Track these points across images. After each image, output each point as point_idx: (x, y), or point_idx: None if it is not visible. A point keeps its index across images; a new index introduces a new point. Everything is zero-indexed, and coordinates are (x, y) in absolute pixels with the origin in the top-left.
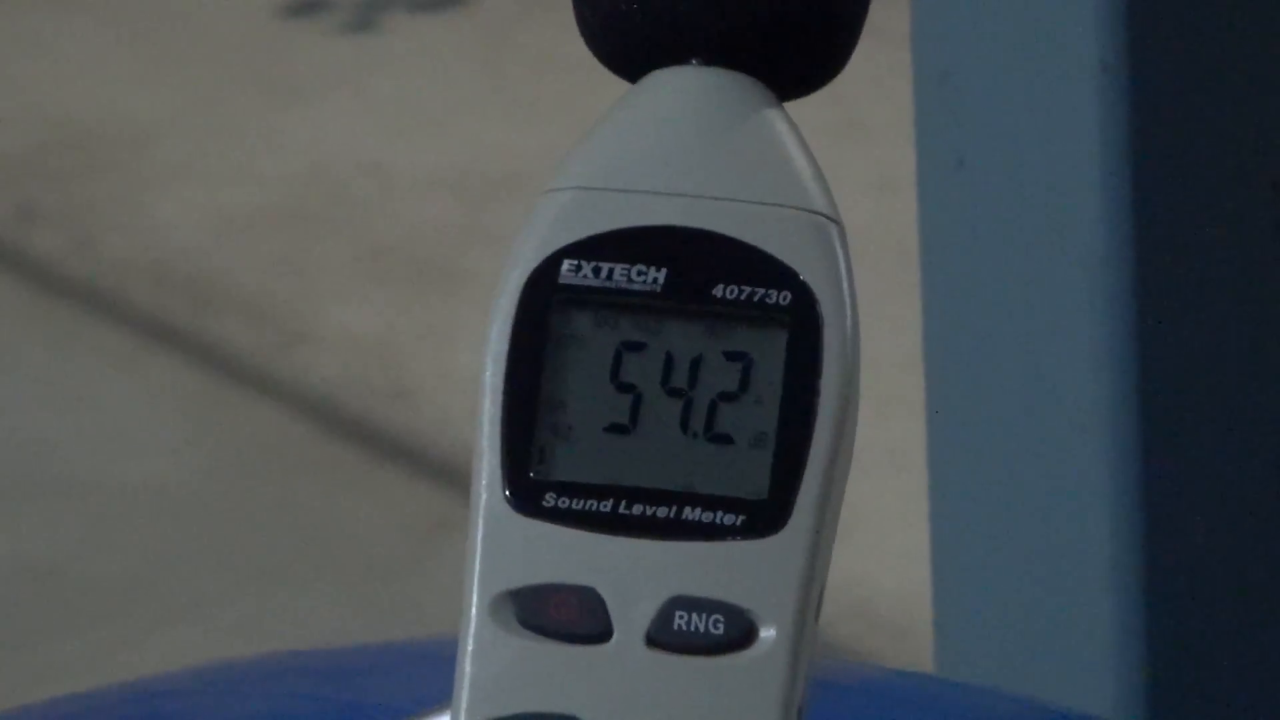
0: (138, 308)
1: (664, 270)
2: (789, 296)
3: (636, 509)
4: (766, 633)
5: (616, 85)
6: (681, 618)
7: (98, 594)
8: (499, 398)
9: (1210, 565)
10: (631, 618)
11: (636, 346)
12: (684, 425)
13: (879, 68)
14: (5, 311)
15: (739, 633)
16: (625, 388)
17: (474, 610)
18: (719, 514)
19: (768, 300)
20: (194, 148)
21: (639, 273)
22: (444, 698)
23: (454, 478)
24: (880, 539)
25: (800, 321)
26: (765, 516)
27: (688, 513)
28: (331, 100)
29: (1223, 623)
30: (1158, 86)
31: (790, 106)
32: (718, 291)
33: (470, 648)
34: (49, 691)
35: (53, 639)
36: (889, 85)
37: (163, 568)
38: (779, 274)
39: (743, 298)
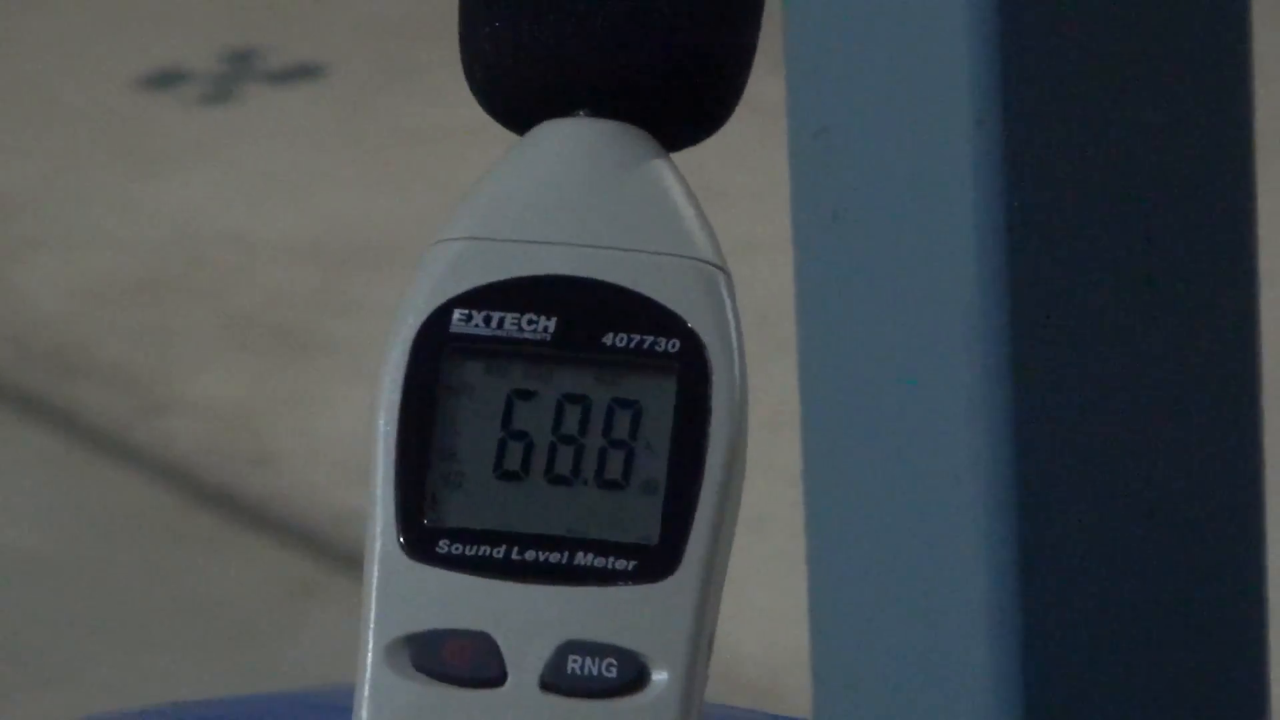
0: (0, 377)
1: (554, 319)
2: (677, 344)
3: (529, 554)
4: (659, 676)
5: (473, 154)
6: (575, 661)
7: None
8: (391, 446)
9: (1088, 610)
10: (526, 662)
11: (527, 395)
12: (575, 471)
13: (738, 136)
14: None
15: (632, 676)
16: (517, 435)
17: (370, 655)
18: (610, 559)
19: (656, 348)
20: (54, 218)
21: (529, 321)
22: None
23: (316, 543)
24: (744, 601)
25: (689, 368)
26: (656, 561)
27: (580, 558)
28: (191, 170)
29: (1103, 670)
30: (1030, 141)
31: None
32: (607, 340)
33: (366, 693)
34: None
35: None
36: (747, 152)
37: (29, 632)
38: (667, 322)
39: (632, 345)
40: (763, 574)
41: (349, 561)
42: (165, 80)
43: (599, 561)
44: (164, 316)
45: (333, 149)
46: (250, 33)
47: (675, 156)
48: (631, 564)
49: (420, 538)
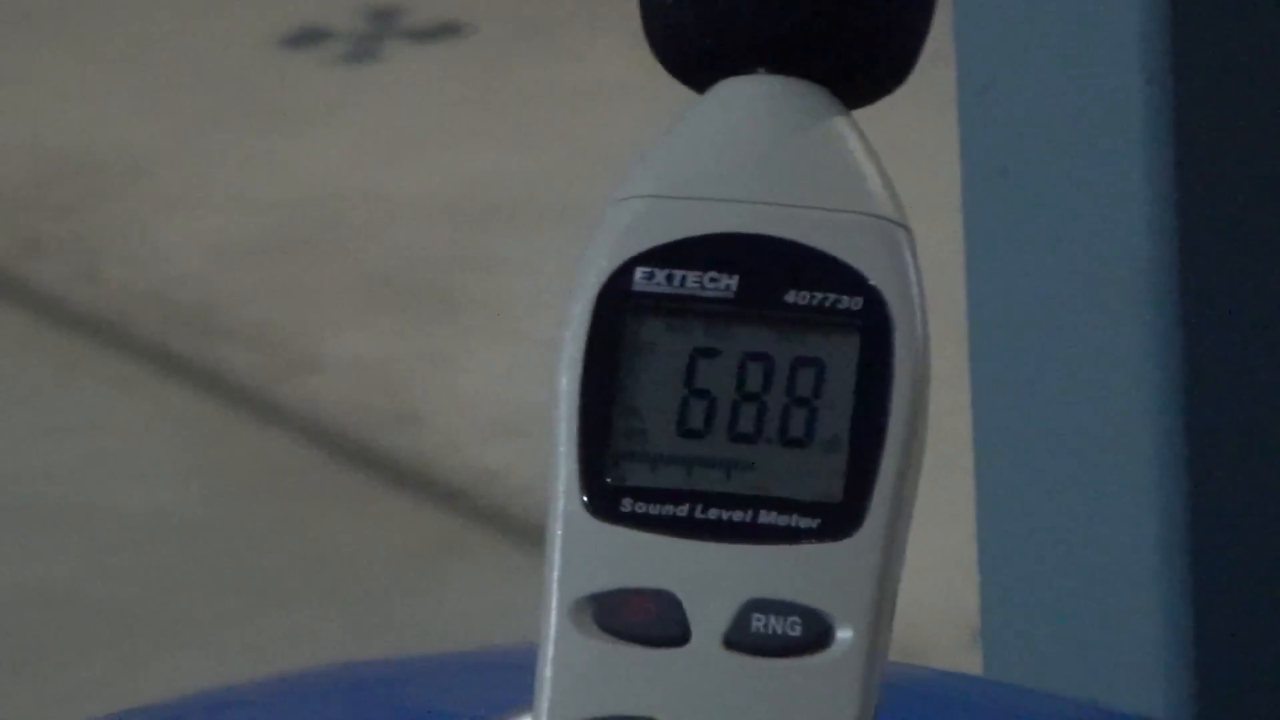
0: (140, 336)
1: (736, 277)
2: (860, 301)
3: (712, 513)
4: (843, 634)
5: (610, 112)
6: (759, 620)
7: (102, 619)
8: (574, 405)
9: (1258, 565)
10: (709, 620)
11: (710, 353)
12: (758, 430)
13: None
14: (9, 342)
15: (816, 634)
16: (699, 393)
17: (554, 615)
18: (794, 517)
19: (839, 305)
20: (193, 177)
21: (711, 280)
22: (520, 703)
23: (460, 501)
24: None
25: (871, 326)
26: (840, 519)
27: (763, 516)
28: (330, 128)
29: (1273, 623)
30: (1201, 99)
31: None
32: (790, 297)
33: (550, 652)
34: (56, 717)
35: (59, 664)
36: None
37: (167, 593)
38: (849, 279)
39: (814, 303)
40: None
41: (492, 519)
42: (306, 38)
43: (782, 520)
44: (304, 274)
45: (471, 107)
46: None
47: (856, 113)
48: (815, 522)
49: (604, 496)
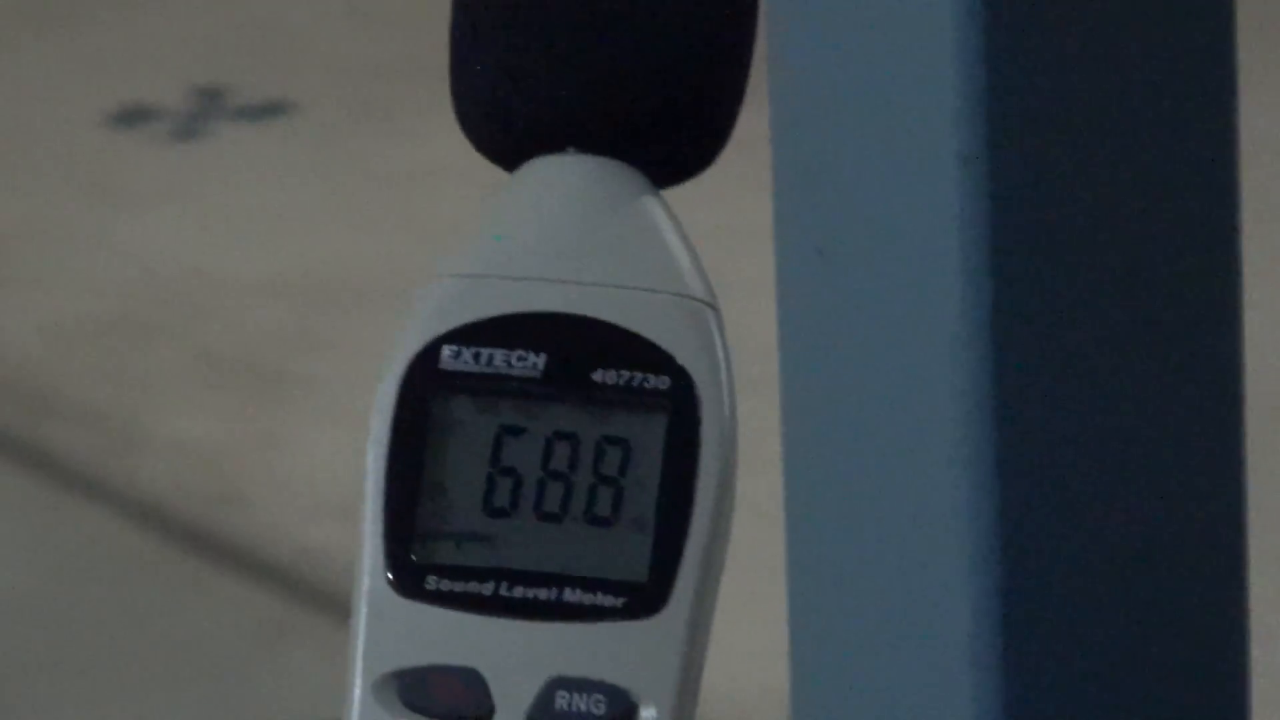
0: None
1: (544, 355)
2: (667, 381)
3: (518, 591)
4: (647, 712)
5: (445, 194)
6: (563, 698)
7: None
8: (380, 482)
9: (1075, 655)
10: (514, 698)
11: (517, 431)
12: (564, 508)
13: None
14: None
15: (620, 712)
16: (505, 471)
17: (357, 692)
18: (599, 595)
19: (646, 384)
20: (23, 256)
21: (519, 358)
22: None
23: (289, 582)
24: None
25: (679, 405)
26: (645, 598)
27: (568, 594)
28: (162, 209)
29: (1096, 696)
30: (1016, 177)
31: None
32: (597, 376)
33: None
34: None
35: None
36: (730, 191)
37: (4, 674)
38: (657, 358)
39: (622, 382)
40: (731, 612)
41: (318, 599)
42: (134, 117)
43: (587, 598)
44: (135, 356)
45: (307, 187)
46: (220, 71)
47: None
48: (620, 600)
49: (409, 574)
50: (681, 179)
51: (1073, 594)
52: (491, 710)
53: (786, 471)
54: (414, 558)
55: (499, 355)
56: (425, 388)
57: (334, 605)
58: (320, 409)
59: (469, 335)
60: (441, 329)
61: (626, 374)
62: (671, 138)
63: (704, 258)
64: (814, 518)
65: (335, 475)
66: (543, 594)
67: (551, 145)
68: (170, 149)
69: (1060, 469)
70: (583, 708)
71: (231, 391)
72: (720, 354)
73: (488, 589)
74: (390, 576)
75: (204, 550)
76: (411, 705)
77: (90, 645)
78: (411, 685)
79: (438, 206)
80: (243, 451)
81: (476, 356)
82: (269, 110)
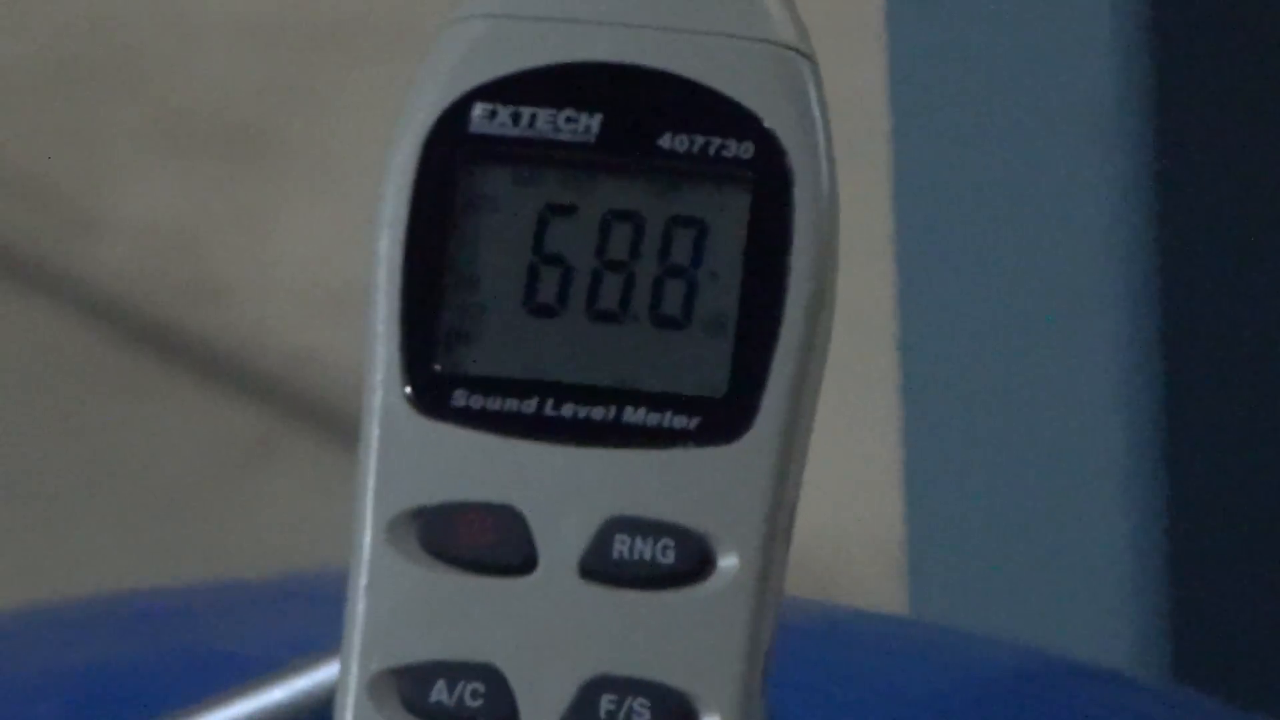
0: None
1: (599, 116)
2: (751, 148)
3: (566, 410)
4: (726, 561)
5: None
6: (622, 543)
7: None
8: (396, 273)
9: (1221, 492)
10: (561, 543)
11: (565, 210)
12: (624, 306)
13: None
14: None
15: (693, 561)
16: (551, 260)
17: (368, 535)
18: (667, 415)
19: (725, 152)
20: None
21: (568, 119)
22: (330, 642)
23: (275, 392)
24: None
25: (765, 178)
26: (724, 418)
27: (629, 414)
28: None
29: (1254, 559)
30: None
31: None
32: (664, 142)
33: (364, 581)
34: None
35: None
36: None
37: None
38: (739, 120)
39: (695, 150)
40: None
41: (315, 415)
42: None
43: (653, 419)
44: (86, 113)
45: None
46: None
47: None
48: (694, 421)
49: (432, 388)
50: None
51: (1228, 433)
52: (534, 558)
53: (900, 267)
54: (438, 368)
55: (543, 116)
56: (452, 155)
57: (331, 422)
58: (313, 179)
59: (506, 90)
60: (472, 82)
61: (701, 139)
62: None
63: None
64: (932, 329)
65: (332, 262)
66: (597, 413)
67: None
68: None
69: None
70: (646, 555)
71: (202, 158)
72: (817, 114)
73: (529, 407)
74: (408, 391)
75: (172, 353)
76: (434, 550)
77: (38, 465)
78: (434, 527)
79: None
80: (217, 232)
81: (515, 117)
82: None
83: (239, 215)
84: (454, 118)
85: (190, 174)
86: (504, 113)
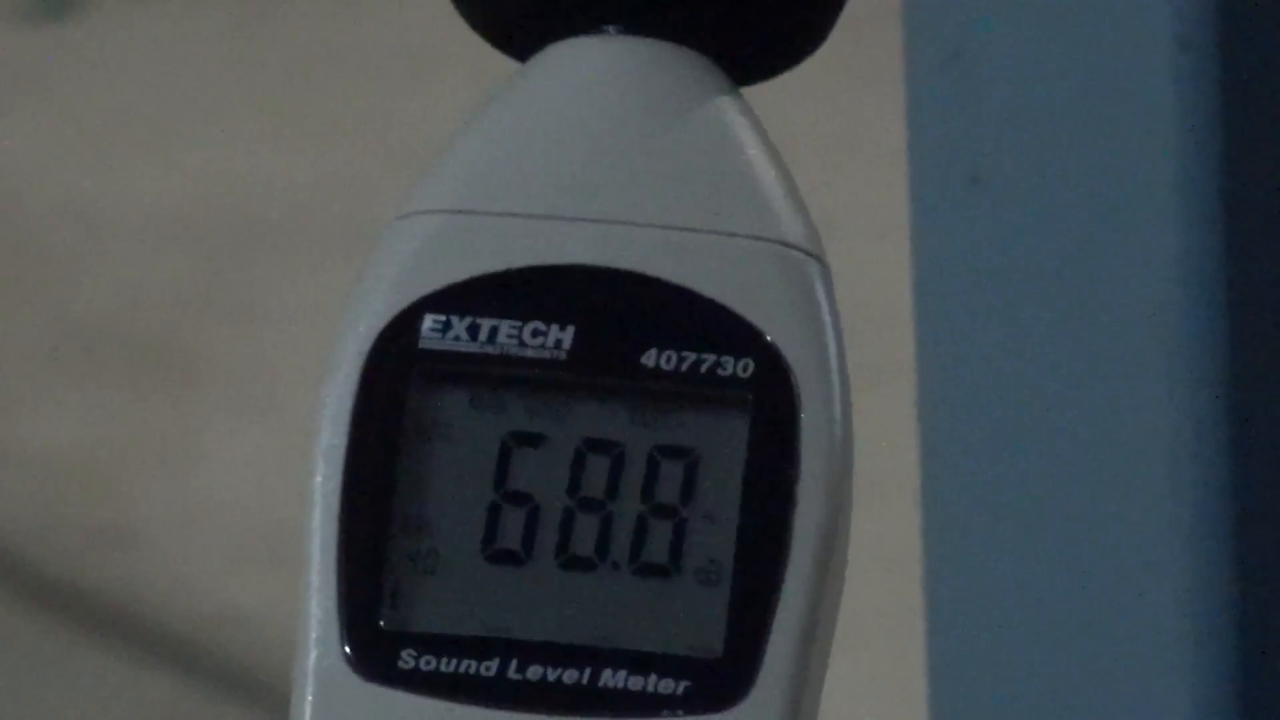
0: None
1: (571, 329)
2: (751, 365)
3: (533, 672)
4: None
5: (424, 84)
6: None
7: None
8: (333, 513)
9: None
10: None
11: (532, 439)
12: (601, 552)
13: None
14: None
15: None
16: (516, 498)
17: None
18: (652, 678)
19: (720, 371)
20: None
21: (535, 333)
22: None
23: (194, 663)
24: None
25: (768, 401)
26: (720, 682)
27: (607, 678)
28: (16, 111)
29: None
30: (1253, 68)
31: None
32: (648, 359)
33: None
34: None
35: None
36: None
37: None
38: (736, 333)
39: (685, 368)
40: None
41: (239, 684)
42: None
43: (635, 682)
44: None
45: (221, 80)
46: None
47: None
48: (683, 685)
49: (375, 647)
50: (770, 72)
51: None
52: None
53: (925, 485)
54: (383, 624)
55: (506, 328)
56: (399, 375)
57: (260, 695)
58: (240, 402)
59: (462, 299)
60: (422, 289)
61: (691, 356)
62: (757, 10)
63: (803, 186)
64: (961, 540)
65: (263, 501)
66: (569, 676)
67: (582, 21)
68: (30, 30)
69: None
70: None
71: (110, 377)
72: (828, 327)
73: (489, 669)
74: (348, 651)
75: (75, 611)
76: None
77: None
78: None
79: (408, 106)
80: (128, 466)
81: (473, 330)
82: None
83: (154, 445)
84: (401, 330)
85: (96, 396)
86: (459, 325)
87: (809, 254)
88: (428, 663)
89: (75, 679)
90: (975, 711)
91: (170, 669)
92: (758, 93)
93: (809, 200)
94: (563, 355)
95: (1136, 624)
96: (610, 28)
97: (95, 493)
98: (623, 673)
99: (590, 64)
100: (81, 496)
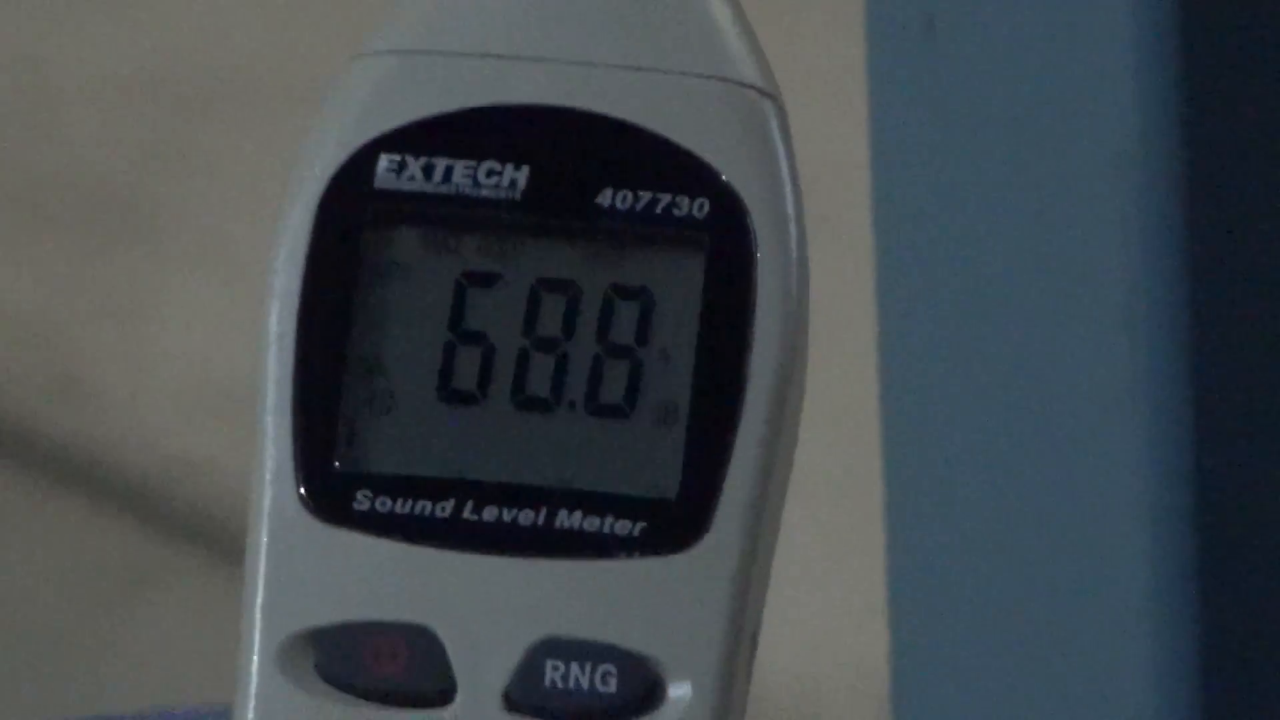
0: None
1: (525, 169)
2: (706, 205)
3: (489, 513)
4: (677, 691)
5: None
6: (556, 670)
7: None
8: (288, 355)
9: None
10: (483, 670)
11: (487, 279)
12: (556, 392)
13: None
14: None
15: (638, 690)
16: (471, 338)
17: (255, 659)
18: (608, 520)
19: (676, 211)
20: None
21: (490, 173)
22: None
23: (150, 511)
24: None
25: (724, 241)
26: (675, 522)
27: (562, 518)
28: None
29: None
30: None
31: None
32: (604, 199)
33: (250, 716)
34: None
35: None
36: None
37: None
38: (692, 173)
39: (640, 208)
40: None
41: (194, 533)
42: None
43: (591, 523)
44: None
45: None
46: None
47: None
48: (639, 526)
49: (330, 489)
50: None
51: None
52: (452, 687)
53: (881, 340)
54: (337, 465)
55: (460, 169)
56: (353, 215)
57: (217, 543)
58: (194, 256)
59: (417, 139)
60: (376, 129)
61: (647, 195)
62: None
63: (760, 30)
64: (919, 399)
65: (218, 353)
66: (525, 517)
67: None
68: None
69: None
70: (584, 683)
71: (63, 233)
72: (784, 165)
73: (444, 510)
74: (303, 493)
75: (29, 464)
76: (334, 679)
77: None
78: (334, 651)
79: None
80: (82, 320)
81: (428, 170)
82: None
83: (107, 300)
84: (356, 171)
85: (50, 252)
86: (414, 165)
87: (764, 93)
88: (383, 504)
89: (31, 529)
90: (932, 568)
91: (126, 517)
92: None
93: (765, 44)
94: (517, 195)
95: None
96: None
97: (50, 346)
98: (579, 513)
99: None
100: (36, 350)
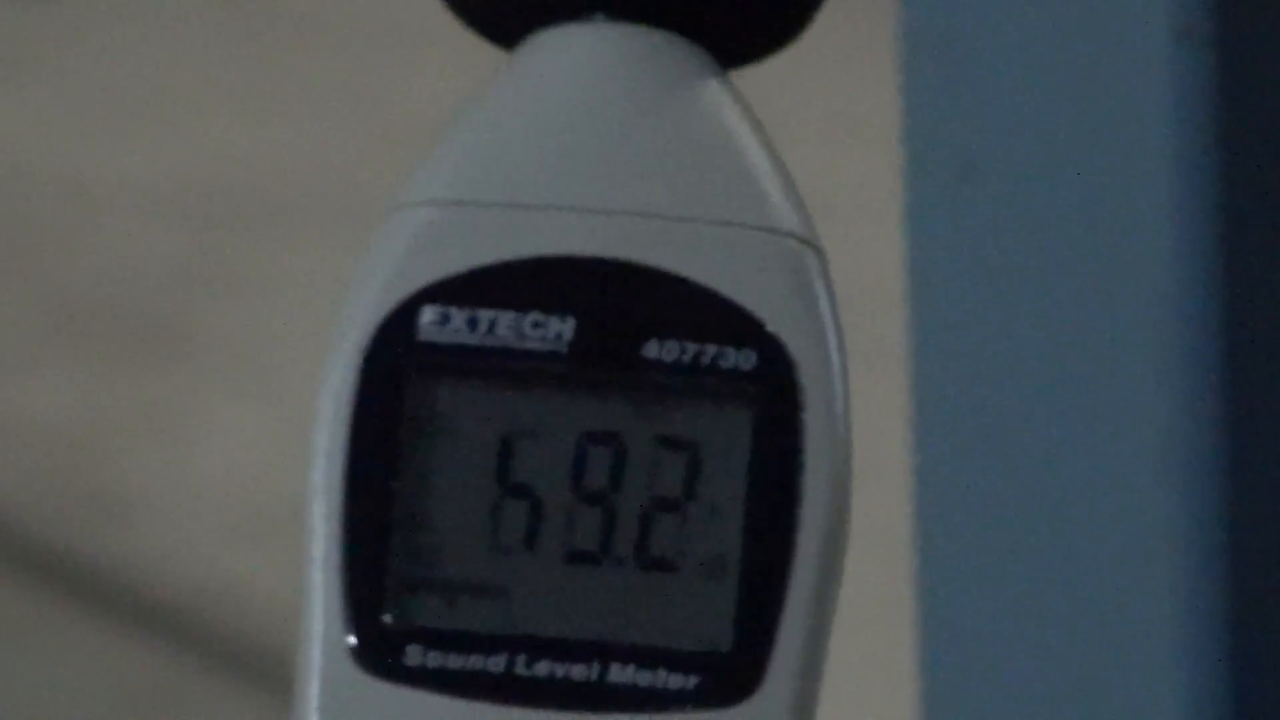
0: None
1: (571, 320)
2: (753, 357)
3: (541, 668)
4: None
5: (432, 62)
6: None
7: None
8: (336, 510)
9: None
10: None
11: (534, 433)
12: (605, 546)
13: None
14: None
15: None
16: (519, 492)
17: None
18: (661, 674)
19: (722, 362)
20: None
21: (535, 324)
22: None
23: (187, 630)
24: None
25: (771, 393)
26: (730, 676)
27: (615, 673)
28: (13, 89)
29: None
30: (1250, 57)
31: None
32: (650, 351)
33: None
34: None
35: None
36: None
37: None
38: (738, 324)
39: (686, 359)
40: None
41: (232, 653)
42: None
43: (644, 677)
44: None
45: (215, 54)
46: None
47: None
48: (693, 680)
49: (381, 643)
50: (753, 57)
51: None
52: None
53: (917, 471)
54: (387, 619)
55: (505, 320)
56: (398, 368)
57: (253, 667)
58: (234, 376)
59: (461, 290)
60: (420, 281)
61: (693, 347)
62: None
63: (795, 169)
64: (953, 528)
65: (258, 473)
66: (578, 672)
67: (568, 9)
68: (26, 7)
69: None
70: None
71: (105, 351)
72: (828, 318)
73: (497, 665)
74: (354, 647)
75: (67, 582)
76: None
77: None
78: None
79: (403, 79)
80: (122, 438)
81: (472, 323)
82: None
83: (148, 418)
84: (399, 323)
85: (91, 369)
86: (459, 317)
87: (805, 242)
88: (434, 659)
89: (66, 648)
90: (965, 698)
91: (161, 640)
92: (751, 74)
93: (801, 183)
94: (563, 347)
95: (1128, 614)
96: (597, 15)
97: (90, 464)
98: (631, 667)
99: (579, 52)
100: (76, 468)
